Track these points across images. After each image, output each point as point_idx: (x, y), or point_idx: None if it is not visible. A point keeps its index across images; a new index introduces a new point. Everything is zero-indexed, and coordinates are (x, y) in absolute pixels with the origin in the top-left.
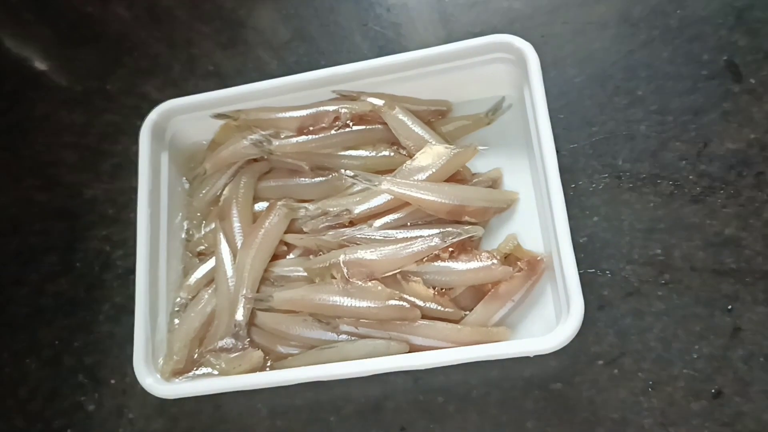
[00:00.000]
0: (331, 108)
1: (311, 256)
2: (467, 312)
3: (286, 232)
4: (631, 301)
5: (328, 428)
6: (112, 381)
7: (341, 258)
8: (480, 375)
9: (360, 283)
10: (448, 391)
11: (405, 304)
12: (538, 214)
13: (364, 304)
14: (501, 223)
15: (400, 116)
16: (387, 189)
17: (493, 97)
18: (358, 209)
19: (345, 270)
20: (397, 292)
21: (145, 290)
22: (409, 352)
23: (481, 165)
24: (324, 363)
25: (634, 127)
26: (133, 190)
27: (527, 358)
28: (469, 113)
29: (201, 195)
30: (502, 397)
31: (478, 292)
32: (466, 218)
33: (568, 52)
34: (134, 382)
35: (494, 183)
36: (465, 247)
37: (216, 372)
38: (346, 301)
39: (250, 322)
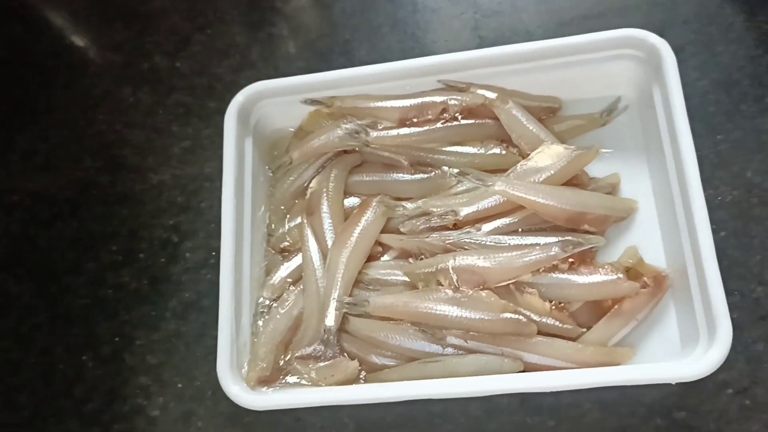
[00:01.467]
0: (438, 99)
1: (410, 260)
2: (584, 330)
3: (381, 232)
4: (763, 325)
5: None
6: (179, 384)
7: (451, 263)
8: (595, 397)
9: (470, 292)
10: (559, 415)
11: (521, 317)
12: (659, 225)
13: (475, 315)
14: (618, 234)
15: (515, 111)
16: (502, 190)
17: (605, 97)
18: (465, 211)
19: (455, 277)
20: (512, 304)
21: (229, 289)
22: (523, 370)
23: (594, 170)
24: (427, 378)
25: (764, 137)
26: (206, 177)
27: None
28: (578, 113)
29: (285, 186)
30: (620, 424)
31: (597, 309)
32: (585, 227)
33: (690, 53)
34: (204, 386)
35: (612, 189)
36: (584, 259)
37: (305, 382)
38: (456, 311)
39: (341, 328)
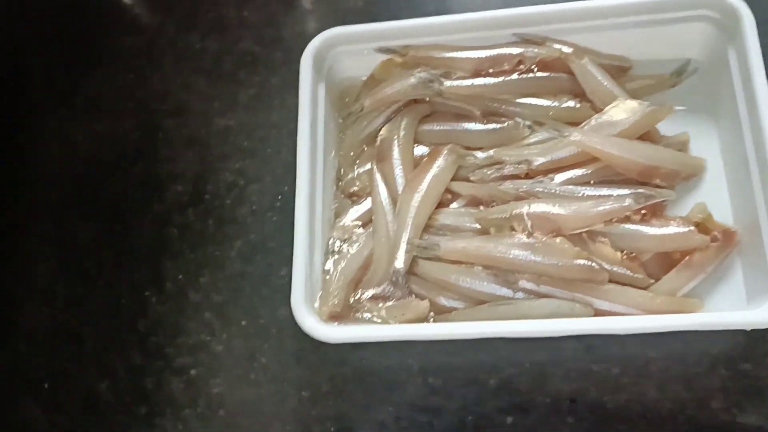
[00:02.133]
0: (515, 51)
1: (481, 207)
2: (653, 281)
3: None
4: None
5: (486, 392)
6: (243, 322)
7: (525, 209)
8: (660, 348)
9: (544, 238)
10: (624, 363)
11: (594, 264)
12: (727, 183)
13: (548, 260)
14: (685, 191)
15: (590, 67)
16: (578, 141)
17: (673, 59)
18: (539, 161)
19: (529, 223)
20: (585, 251)
21: (305, 225)
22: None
23: (664, 128)
24: (499, 320)
25: None
26: (273, 124)
27: (713, 334)
28: (647, 73)
29: (356, 133)
30: (685, 373)
31: (665, 260)
32: (656, 181)
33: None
34: (269, 325)
35: (682, 147)
36: (655, 212)
37: (376, 319)
38: (529, 256)
39: (409, 270)
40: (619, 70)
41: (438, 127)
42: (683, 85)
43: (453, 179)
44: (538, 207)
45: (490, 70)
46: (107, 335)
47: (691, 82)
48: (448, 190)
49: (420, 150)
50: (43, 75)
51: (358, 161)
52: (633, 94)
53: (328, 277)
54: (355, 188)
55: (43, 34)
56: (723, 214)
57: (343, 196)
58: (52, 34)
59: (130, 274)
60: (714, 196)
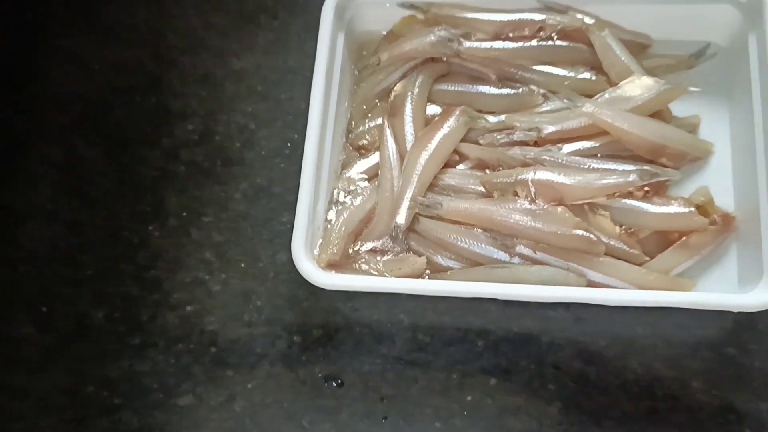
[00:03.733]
0: (537, 17)
1: (486, 171)
2: (647, 258)
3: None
4: None
5: (473, 352)
6: (242, 264)
7: (530, 176)
8: (649, 325)
9: (546, 206)
10: (612, 336)
11: (592, 236)
12: (732, 169)
13: (548, 227)
14: (689, 173)
15: (610, 40)
16: (590, 112)
17: (693, 41)
18: (549, 129)
19: (533, 189)
20: (584, 222)
21: (312, 173)
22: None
23: (675, 109)
24: (492, 282)
25: None
26: (289, 70)
27: (702, 316)
28: (666, 53)
29: (370, 86)
30: (670, 352)
31: (663, 239)
32: (663, 160)
33: None
34: (267, 268)
35: (693, 129)
36: (658, 190)
37: (373, 271)
38: (529, 222)
39: (410, 227)
40: (638, 47)
41: (453, 88)
42: (700, 68)
43: (463, 141)
44: (543, 174)
45: (510, 35)
46: (106, 263)
47: (708, 66)
48: (456, 151)
49: (433, 109)
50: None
51: (369, 115)
52: (650, 72)
53: (329, 226)
54: (365, 141)
55: None
56: (725, 199)
57: (352, 148)
58: None
59: (132, 206)
60: (718, 181)
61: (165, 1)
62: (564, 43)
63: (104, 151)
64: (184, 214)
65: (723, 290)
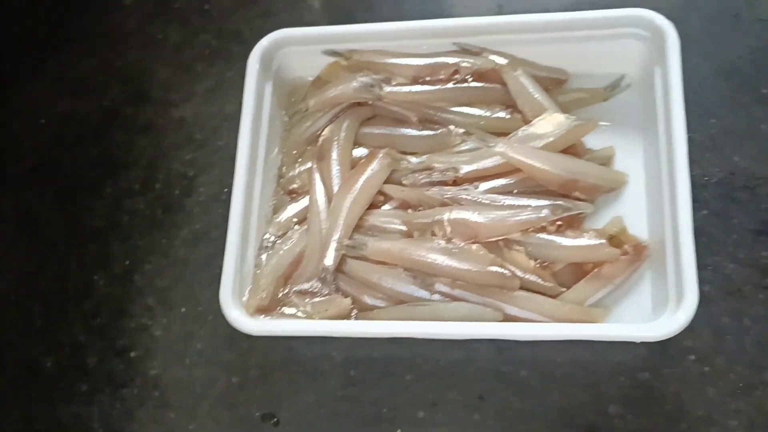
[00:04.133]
0: (451, 60)
1: (409, 211)
2: (564, 289)
3: (385, 183)
4: (731, 300)
5: (402, 385)
6: (183, 309)
7: (446, 216)
8: (567, 354)
9: (462, 244)
10: (533, 366)
11: (506, 271)
12: (646, 198)
13: (464, 265)
14: (606, 204)
15: (522, 79)
16: (502, 152)
17: (610, 73)
18: (466, 169)
19: (448, 229)
20: (499, 258)
21: (238, 220)
22: (503, 321)
23: (591, 141)
24: (414, 320)
25: (755, 125)
26: (225, 117)
27: (618, 343)
28: (583, 86)
29: (299, 132)
30: (587, 380)
31: (578, 271)
32: (576, 194)
33: (695, 39)
34: (206, 311)
35: (607, 161)
36: (571, 223)
37: (300, 314)
38: (446, 261)
39: (338, 268)
40: (555, 82)
41: (378, 131)
42: (618, 100)
43: (387, 182)
44: (458, 214)
45: (428, 78)
46: (55, 312)
47: (624, 97)
48: (381, 192)
49: (362, 151)
50: (13, 51)
51: (300, 159)
52: (566, 106)
53: (258, 271)
54: (295, 186)
55: (13, 11)
56: (640, 228)
57: (283, 192)
58: (22, 12)
59: (80, 255)
60: (633, 211)
61: (108, 54)
62: (479, 84)
63: (53, 202)
64: (128, 262)
65: (638, 318)
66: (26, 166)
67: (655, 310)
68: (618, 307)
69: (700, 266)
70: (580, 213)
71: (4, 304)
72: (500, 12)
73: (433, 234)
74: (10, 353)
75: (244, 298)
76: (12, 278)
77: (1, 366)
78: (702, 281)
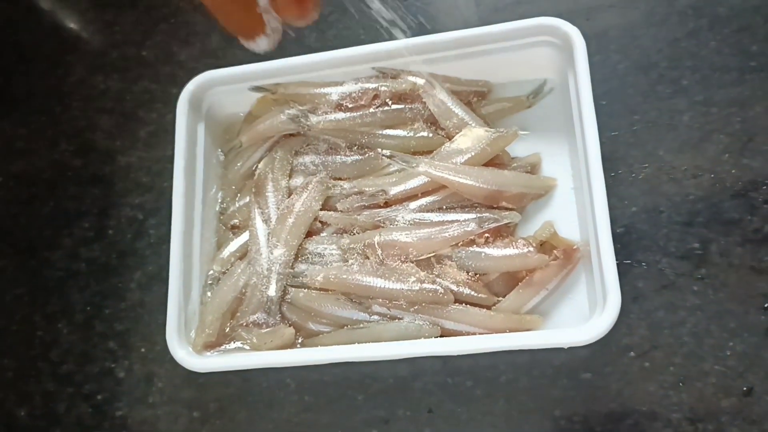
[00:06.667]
0: (371, 86)
1: (345, 235)
2: (500, 298)
3: (321, 209)
4: (665, 294)
5: (355, 406)
6: (142, 349)
7: (376, 239)
8: (509, 361)
9: (394, 264)
10: (477, 376)
11: (438, 288)
12: (576, 201)
13: (397, 285)
14: (538, 210)
15: (440, 96)
16: (424, 171)
17: (535, 80)
18: (394, 190)
19: (379, 251)
20: (432, 275)
21: (178, 261)
22: (441, 335)
23: (520, 149)
24: (355, 343)
25: (677, 117)
26: (168, 159)
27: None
28: (509, 95)
29: (236, 168)
30: (531, 385)
31: (512, 279)
32: (504, 203)
33: (613, 37)
34: (164, 351)
35: (533, 168)
36: (500, 233)
37: (247, 347)
38: (380, 282)
39: (282, 298)
40: (478, 95)
41: (311, 159)
42: (541, 106)
43: (324, 208)
44: (387, 236)
45: (350, 105)
46: (25, 365)
47: (548, 103)
48: (318, 220)
49: (298, 181)
50: None
51: (239, 195)
52: (491, 117)
53: (203, 308)
54: (236, 221)
55: None
56: (572, 231)
57: (225, 228)
58: None
59: (43, 307)
60: (564, 214)
61: (54, 109)
62: (400, 106)
63: (15, 259)
64: (88, 308)
65: (576, 320)
66: None
67: (591, 311)
68: (557, 311)
69: (634, 263)
70: (508, 223)
71: None
72: (419, 31)
73: (366, 257)
74: None
75: (192, 335)
76: None
77: None
78: (636, 277)
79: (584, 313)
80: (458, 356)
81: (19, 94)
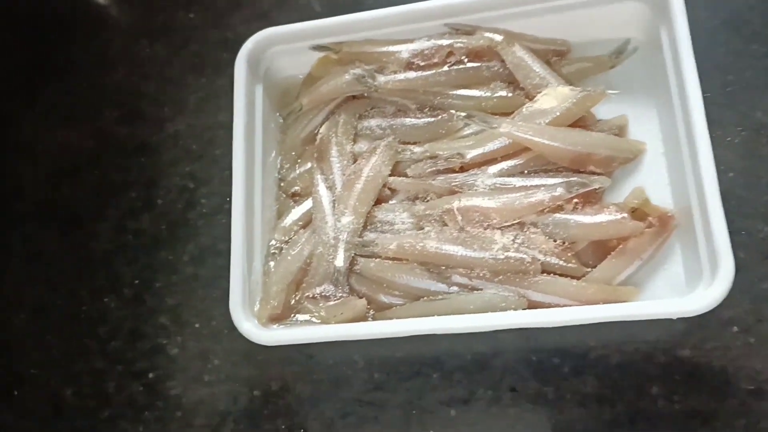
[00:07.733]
0: (444, 42)
1: (417, 202)
2: (589, 269)
3: (390, 175)
4: None
5: (429, 385)
6: (197, 325)
7: (456, 204)
8: (599, 336)
9: (475, 232)
10: (564, 352)
11: (525, 256)
12: (667, 166)
13: (479, 254)
14: (625, 175)
15: (520, 53)
16: (507, 132)
17: (614, 39)
18: (471, 153)
19: (459, 217)
20: (517, 243)
21: (241, 230)
22: (527, 308)
23: (602, 112)
24: (433, 315)
25: None
26: (219, 125)
27: (652, 321)
28: (588, 55)
29: (296, 132)
30: (624, 361)
31: (602, 248)
32: (591, 168)
33: None
34: (221, 326)
35: (620, 131)
36: (589, 199)
37: (315, 320)
38: (460, 251)
39: (350, 268)
40: (557, 54)
41: (377, 123)
42: (625, 66)
43: (393, 174)
44: (468, 201)
45: (422, 63)
46: (71, 342)
47: (632, 63)
48: (387, 186)
49: (361, 147)
50: (5, 85)
51: (299, 160)
52: (572, 78)
53: (267, 279)
54: (297, 188)
55: (4, 45)
56: (663, 197)
57: (285, 196)
58: (12, 45)
59: (90, 281)
60: (654, 180)
61: (97, 76)
62: (476, 64)
63: (59, 232)
64: (137, 282)
65: (672, 293)
66: (28, 199)
67: (689, 283)
68: (649, 283)
69: (732, 232)
70: (597, 188)
71: (21, 338)
72: None
73: (445, 224)
74: (31, 388)
75: (256, 308)
76: (26, 312)
77: (23, 402)
78: (736, 247)
79: (680, 286)
80: (543, 332)
81: (59, 63)
